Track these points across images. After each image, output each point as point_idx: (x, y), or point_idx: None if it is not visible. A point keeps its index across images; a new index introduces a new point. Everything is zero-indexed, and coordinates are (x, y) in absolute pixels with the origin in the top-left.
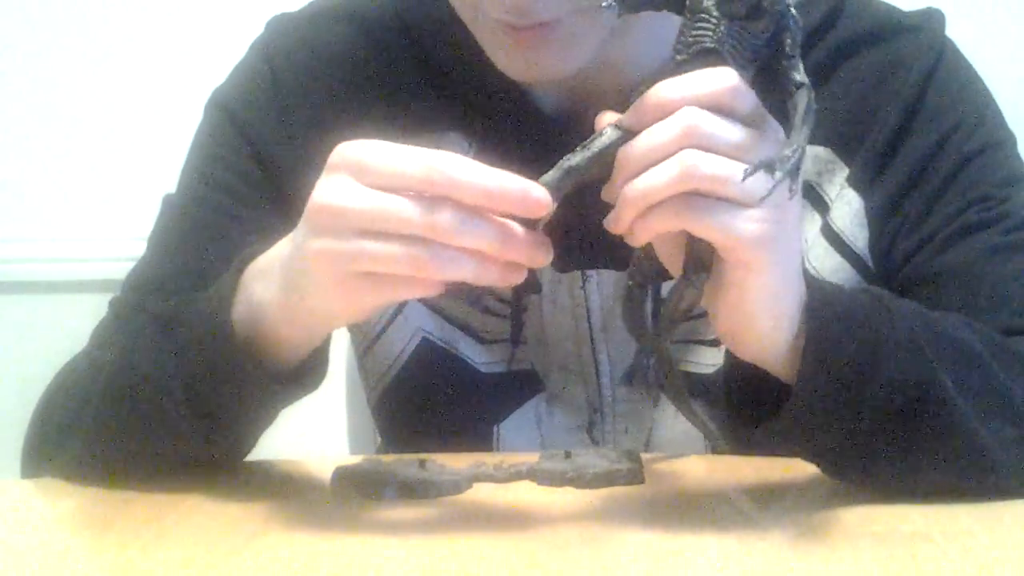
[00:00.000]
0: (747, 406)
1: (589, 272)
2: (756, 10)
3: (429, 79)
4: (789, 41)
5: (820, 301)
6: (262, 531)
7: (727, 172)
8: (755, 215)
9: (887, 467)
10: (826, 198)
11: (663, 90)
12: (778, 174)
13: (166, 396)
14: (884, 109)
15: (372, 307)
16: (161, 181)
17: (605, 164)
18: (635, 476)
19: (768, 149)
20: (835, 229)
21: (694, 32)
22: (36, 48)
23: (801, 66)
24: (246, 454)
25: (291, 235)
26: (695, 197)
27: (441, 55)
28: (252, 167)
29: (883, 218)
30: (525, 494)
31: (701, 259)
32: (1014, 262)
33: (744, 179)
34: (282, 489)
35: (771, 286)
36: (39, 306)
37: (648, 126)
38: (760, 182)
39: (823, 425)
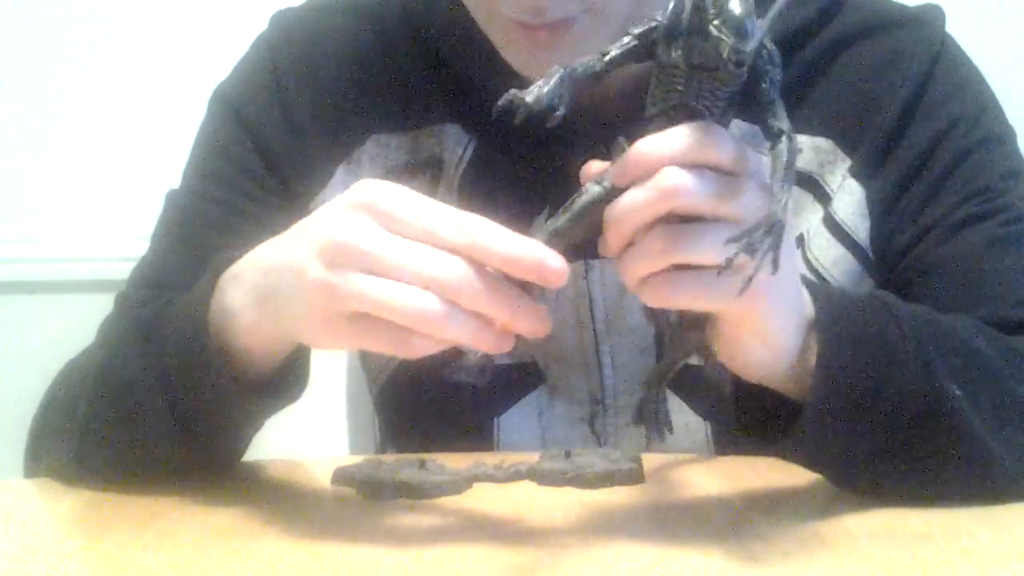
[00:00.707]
0: (756, 419)
1: (592, 262)
2: (723, 63)
3: (431, 72)
4: (765, 86)
5: (830, 316)
6: (262, 531)
7: (705, 246)
8: (734, 282)
9: (897, 478)
10: (828, 189)
11: (643, 148)
12: (758, 254)
13: (147, 402)
14: (885, 100)
15: (347, 347)
16: (162, 181)
17: (593, 222)
18: (635, 476)
19: (752, 193)
20: (837, 220)
21: (666, 86)
22: (36, 47)
23: (781, 110)
24: (235, 460)
25: (276, 244)
26: (676, 274)
27: (443, 48)
28: (256, 162)
29: (884, 209)
30: (525, 494)
31: (693, 320)
32: (1012, 254)
33: (727, 265)
34: (282, 489)
35: (769, 328)
36: (39, 306)
37: (630, 183)
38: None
39: (834, 440)
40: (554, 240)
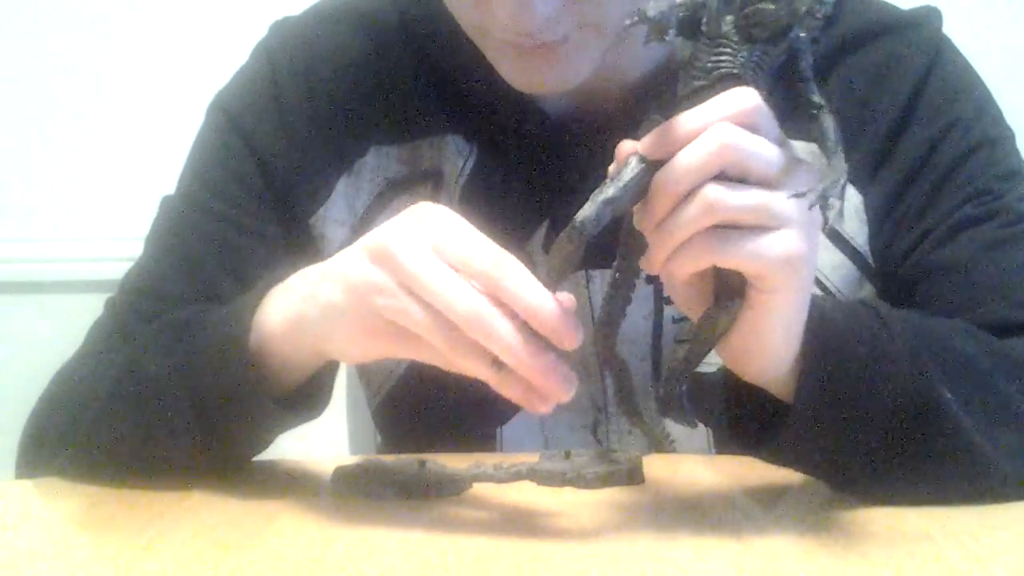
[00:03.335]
0: (746, 421)
1: (593, 272)
2: (777, 34)
3: (431, 82)
4: (803, 64)
5: (818, 319)
6: (262, 531)
7: (753, 201)
8: (784, 236)
9: (892, 480)
10: None
11: (691, 118)
12: (833, 201)
13: (172, 404)
14: (882, 106)
15: (381, 354)
16: (161, 182)
17: (640, 192)
18: (635, 476)
19: (798, 167)
20: (835, 226)
21: (713, 58)
22: (37, 49)
23: (816, 87)
24: (246, 462)
25: (322, 266)
26: (721, 231)
27: (443, 58)
28: (252, 172)
29: (882, 214)
30: (525, 494)
31: (732, 285)
32: (1012, 256)
33: (810, 207)
34: (282, 489)
35: (793, 305)
36: (39, 306)
37: (678, 149)
38: (795, 204)
39: (823, 442)
40: (605, 208)
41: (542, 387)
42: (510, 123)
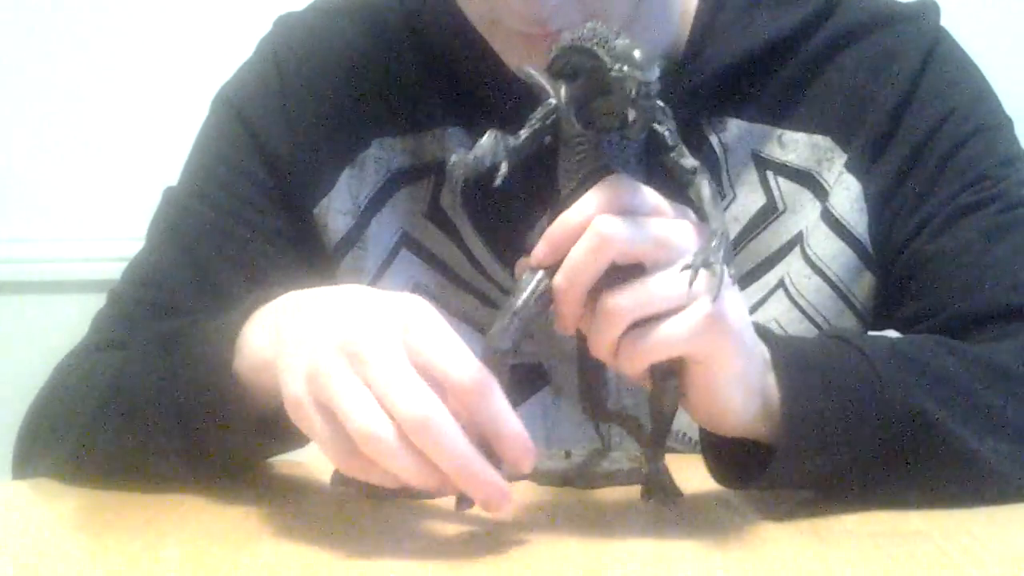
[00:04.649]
0: (730, 464)
1: None
2: (624, 121)
3: (434, 75)
4: (667, 133)
5: (788, 355)
6: (262, 531)
7: (647, 294)
8: (695, 309)
9: (890, 493)
10: (825, 185)
11: (567, 218)
12: (716, 266)
13: (158, 421)
14: (881, 95)
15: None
16: (162, 182)
17: (546, 299)
18: (635, 476)
19: (684, 228)
20: (835, 214)
21: (575, 158)
22: (37, 46)
23: (686, 151)
24: (239, 478)
25: (306, 304)
26: (635, 332)
27: (445, 51)
28: (257, 166)
29: (881, 202)
30: (525, 494)
31: (666, 367)
32: (1010, 241)
33: (691, 285)
34: (282, 489)
35: (736, 365)
36: (39, 306)
37: (563, 255)
38: (698, 279)
39: (812, 472)
40: (513, 320)
41: (489, 499)
42: (512, 116)
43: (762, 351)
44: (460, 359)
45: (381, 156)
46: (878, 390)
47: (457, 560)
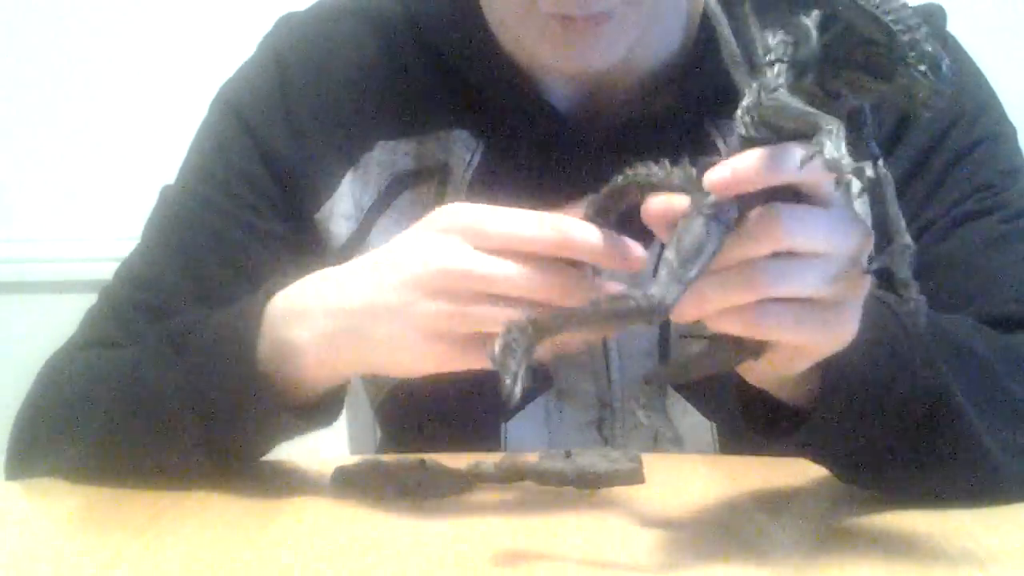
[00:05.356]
0: (762, 418)
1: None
2: (916, 105)
3: (437, 76)
4: (865, 112)
5: None
6: (262, 531)
7: (808, 279)
8: (838, 317)
9: (900, 476)
10: None
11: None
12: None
13: (178, 418)
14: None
15: (449, 367)
16: (162, 181)
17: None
18: (635, 476)
19: (847, 224)
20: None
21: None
22: (36, 46)
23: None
24: (247, 466)
25: (347, 280)
26: (773, 305)
27: (450, 52)
28: (257, 167)
29: None
30: (525, 494)
31: (752, 347)
32: (1012, 251)
33: (913, 308)
34: (282, 489)
35: (824, 354)
36: (39, 306)
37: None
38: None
39: (840, 439)
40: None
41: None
42: (518, 117)
43: None
44: (524, 220)
45: (384, 159)
46: (909, 363)
47: (457, 560)
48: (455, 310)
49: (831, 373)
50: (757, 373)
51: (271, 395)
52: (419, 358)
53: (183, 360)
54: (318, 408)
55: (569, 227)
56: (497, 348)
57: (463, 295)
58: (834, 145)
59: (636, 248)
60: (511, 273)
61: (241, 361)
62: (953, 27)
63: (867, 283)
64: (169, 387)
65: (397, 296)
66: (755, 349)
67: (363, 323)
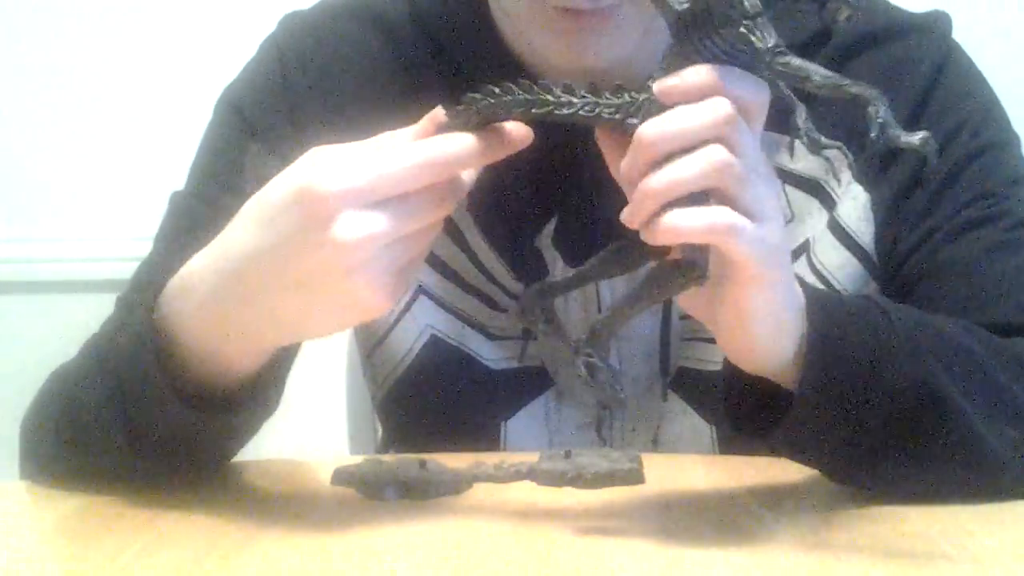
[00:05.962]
0: (749, 413)
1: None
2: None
3: (440, 76)
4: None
5: (820, 308)
6: (262, 532)
7: (756, 179)
8: (769, 228)
9: (892, 471)
10: (833, 194)
11: (707, 72)
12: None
13: (105, 433)
14: (891, 106)
15: (397, 296)
16: (165, 182)
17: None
18: (635, 476)
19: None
20: (842, 224)
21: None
22: (40, 46)
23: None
24: (219, 469)
25: (225, 244)
26: (725, 209)
27: (453, 51)
28: None
29: (888, 213)
30: (525, 494)
31: (690, 264)
32: (1014, 259)
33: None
34: (282, 489)
35: (775, 298)
36: (39, 306)
37: (679, 101)
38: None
39: (826, 432)
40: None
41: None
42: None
43: (799, 299)
44: (390, 161)
45: None
46: (894, 354)
47: (457, 560)
48: (375, 221)
49: (813, 358)
50: (743, 359)
51: (172, 388)
52: (369, 294)
53: (101, 368)
54: (247, 398)
55: (438, 146)
56: (583, 373)
57: (381, 204)
58: (886, 113)
59: (516, 127)
60: (398, 164)
61: (138, 359)
62: (957, 35)
63: (744, 170)
64: (92, 402)
65: (297, 236)
66: (692, 264)
67: (261, 275)
